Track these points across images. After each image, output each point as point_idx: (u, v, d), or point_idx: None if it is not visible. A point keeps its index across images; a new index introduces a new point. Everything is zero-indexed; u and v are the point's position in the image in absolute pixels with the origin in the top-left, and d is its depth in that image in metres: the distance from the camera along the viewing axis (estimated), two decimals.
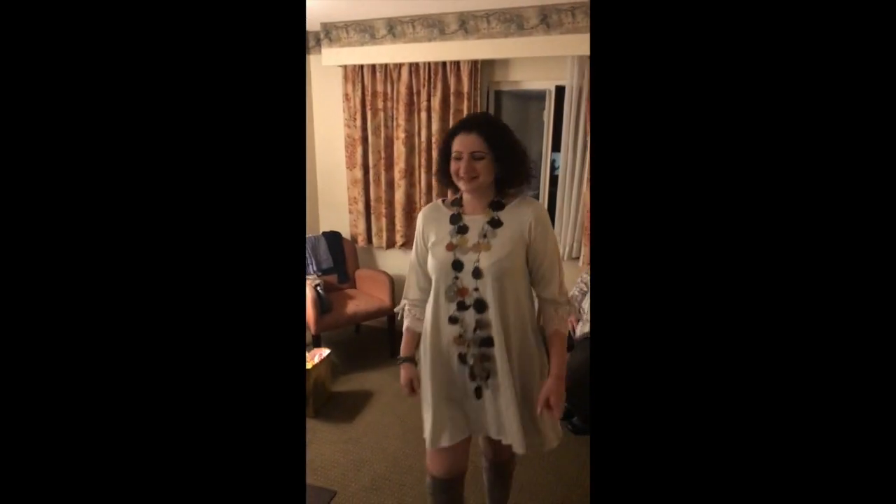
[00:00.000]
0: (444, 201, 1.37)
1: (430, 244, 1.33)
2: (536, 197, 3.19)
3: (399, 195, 3.30)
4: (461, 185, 1.25)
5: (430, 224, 1.35)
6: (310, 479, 2.07)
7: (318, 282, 3.03)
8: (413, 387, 1.40)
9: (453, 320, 1.29)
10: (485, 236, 1.26)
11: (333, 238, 3.42)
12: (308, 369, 2.51)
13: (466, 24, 2.89)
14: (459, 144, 1.22)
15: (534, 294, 1.35)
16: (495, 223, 1.27)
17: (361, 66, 3.21)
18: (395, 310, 1.52)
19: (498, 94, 3.18)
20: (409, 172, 3.24)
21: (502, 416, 1.31)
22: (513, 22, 2.78)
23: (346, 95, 3.31)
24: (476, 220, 1.28)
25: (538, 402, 1.26)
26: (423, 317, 1.39)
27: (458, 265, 1.27)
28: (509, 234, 1.25)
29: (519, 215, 1.25)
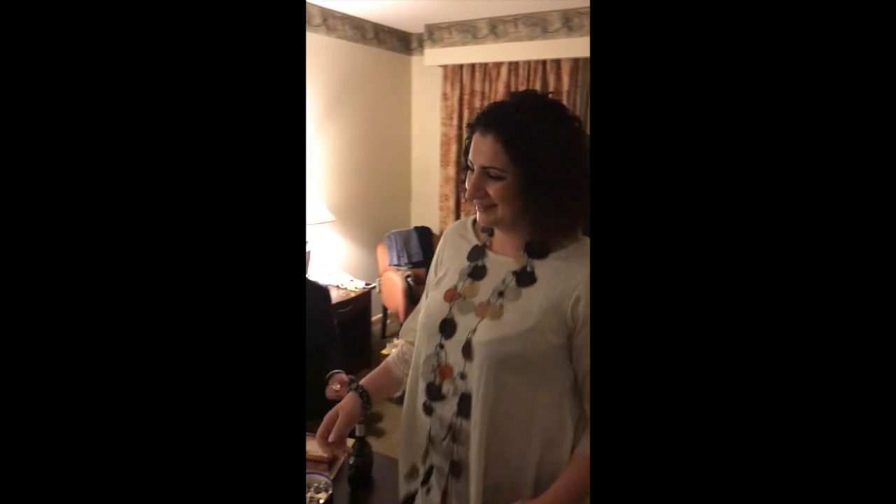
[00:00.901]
0: (475, 222, 0.88)
1: (437, 279, 0.89)
2: None
3: None
4: (478, 214, 0.79)
5: (447, 250, 0.90)
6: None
7: (408, 273, 3.15)
8: (332, 435, 0.84)
9: (427, 409, 0.81)
10: (500, 294, 0.77)
11: (424, 233, 3.52)
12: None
13: (570, 22, 2.83)
14: (473, 151, 0.76)
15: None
16: (525, 278, 0.76)
17: (461, 66, 3.27)
18: (395, 344, 1.01)
19: None
20: None
21: None
22: None
23: (444, 94, 3.39)
24: (502, 264, 0.80)
25: None
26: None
27: (448, 327, 0.79)
28: (540, 301, 0.74)
29: (565, 275, 0.74)
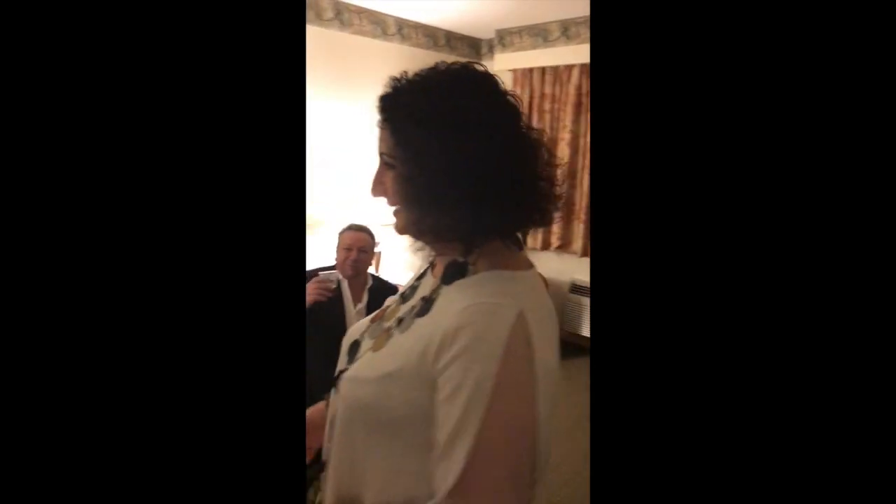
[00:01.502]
0: None
1: None
2: None
3: None
4: None
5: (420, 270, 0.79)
6: None
7: None
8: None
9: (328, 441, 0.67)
10: (399, 322, 0.61)
11: None
12: None
13: None
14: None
15: None
16: (425, 306, 0.59)
17: (531, 69, 3.27)
18: None
19: None
20: (571, 175, 3.20)
21: None
22: None
23: None
24: (426, 288, 0.64)
25: None
26: None
27: (354, 350, 0.66)
28: (413, 341, 0.56)
29: (447, 308, 0.55)
